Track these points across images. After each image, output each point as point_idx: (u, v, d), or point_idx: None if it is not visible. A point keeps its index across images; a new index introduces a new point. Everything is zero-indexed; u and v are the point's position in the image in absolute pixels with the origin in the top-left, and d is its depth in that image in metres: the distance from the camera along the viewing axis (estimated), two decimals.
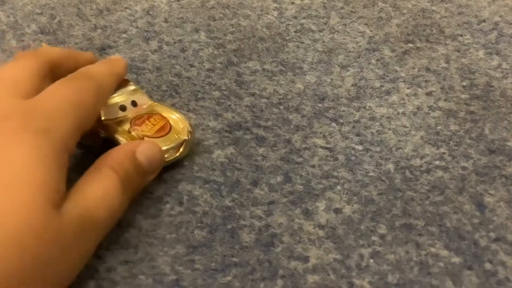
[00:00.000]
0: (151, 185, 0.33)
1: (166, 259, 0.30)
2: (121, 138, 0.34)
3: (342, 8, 0.49)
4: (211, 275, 0.30)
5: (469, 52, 0.45)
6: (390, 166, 0.36)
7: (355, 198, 0.34)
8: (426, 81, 0.42)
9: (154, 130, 0.35)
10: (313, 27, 0.47)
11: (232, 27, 0.46)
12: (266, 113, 0.39)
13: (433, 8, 0.49)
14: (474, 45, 0.46)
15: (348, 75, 0.42)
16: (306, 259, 0.31)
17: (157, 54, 0.43)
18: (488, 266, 0.31)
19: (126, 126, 0.34)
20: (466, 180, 0.35)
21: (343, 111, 0.39)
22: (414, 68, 0.43)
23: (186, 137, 0.35)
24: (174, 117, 0.36)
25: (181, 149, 0.35)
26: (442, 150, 0.37)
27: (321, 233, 0.32)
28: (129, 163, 0.31)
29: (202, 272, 0.30)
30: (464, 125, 0.39)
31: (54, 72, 0.32)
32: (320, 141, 0.37)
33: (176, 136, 0.35)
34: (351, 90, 0.41)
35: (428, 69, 0.43)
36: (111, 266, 0.30)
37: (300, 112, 0.39)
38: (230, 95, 0.40)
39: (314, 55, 0.44)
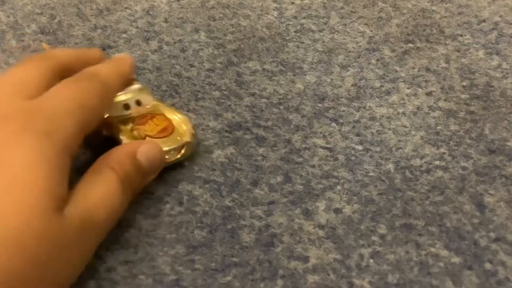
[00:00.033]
0: (151, 185, 0.33)
1: (166, 259, 0.30)
2: (123, 137, 0.34)
3: (342, 8, 0.49)
4: (211, 275, 0.30)
5: (469, 52, 0.45)
6: (390, 166, 0.36)
7: (355, 198, 0.34)
8: (426, 81, 0.42)
9: (157, 130, 0.35)
10: (313, 27, 0.47)
11: (232, 27, 0.46)
12: (266, 113, 0.39)
13: (433, 8, 0.49)
14: (474, 45, 0.46)
15: (348, 75, 0.42)
16: (306, 259, 0.31)
17: (157, 54, 0.43)
18: (488, 266, 0.31)
19: (129, 125, 0.34)
20: (466, 180, 0.35)
21: (343, 111, 0.39)
22: (414, 68, 0.43)
23: (188, 139, 0.35)
24: (178, 118, 0.36)
25: (182, 151, 0.34)
26: (442, 150, 0.37)
27: (321, 233, 0.32)
28: (130, 164, 0.31)
29: (202, 272, 0.30)
30: (464, 125, 0.39)
31: (63, 76, 0.32)
32: (320, 141, 0.37)
33: (179, 138, 0.34)
34: (351, 90, 0.41)
35: (428, 69, 0.43)
36: (111, 266, 0.30)
37: (300, 112, 0.39)
38: (230, 95, 0.40)
39: (314, 55, 0.44)
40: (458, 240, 0.32)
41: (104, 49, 0.44)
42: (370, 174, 0.35)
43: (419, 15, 0.48)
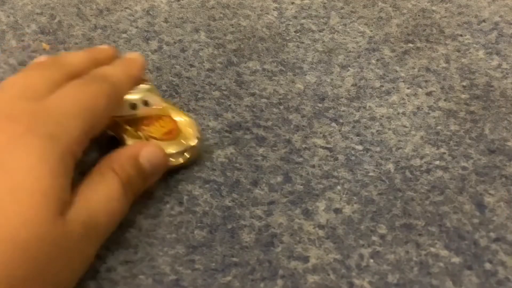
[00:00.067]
0: (151, 185, 0.33)
1: (166, 259, 0.30)
2: (127, 138, 0.33)
3: (342, 8, 0.49)
4: (211, 275, 0.30)
5: (469, 52, 0.45)
6: (390, 166, 0.36)
7: (355, 198, 0.34)
8: (426, 81, 0.42)
9: (162, 132, 0.34)
10: (313, 27, 0.47)
11: (232, 27, 0.46)
12: (266, 113, 0.39)
13: (433, 8, 0.49)
14: (474, 45, 0.46)
15: (348, 75, 0.42)
16: (306, 259, 0.31)
17: (157, 54, 0.43)
18: (488, 266, 0.31)
19: (134, 126, 0.34)
20: (466, 180, 0.35)
21: (343, 111, 0.39)
22: (414, 68, 0.43)
23: (193, 143, 0.34)
24: (185, 121, 0.35)
25: (187, 155, 0.34)
26: (442, 150, 0.37)
27: (321, 233, 0.32)
28: (131, 167, 0.30)
29: (202, 272, 0.30)
30: (464, 125, 0.39)
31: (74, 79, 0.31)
32: (320, 141, 0.37)
33: (183, 142, 0.34)
34: (351, 90, 0.41)
35: (428, 69, 0.43)
36: (111, 266, 0.30)
37: (300, 112, 0.39)
38: (230, 95, 0.40)
39: (314, 55, 0.44)
40: (458, 240, 0.32)
41: None
42: (370, 174, 0.35)
43: (419, 15, 0.49)
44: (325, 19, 0.48)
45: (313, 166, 0.36)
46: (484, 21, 0.48)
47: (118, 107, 0.33)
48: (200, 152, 0.35)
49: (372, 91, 0.41)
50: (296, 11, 0.49)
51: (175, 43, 0.45)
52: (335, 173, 0.35)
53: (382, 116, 0.39)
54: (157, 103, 0.35)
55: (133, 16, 0.47)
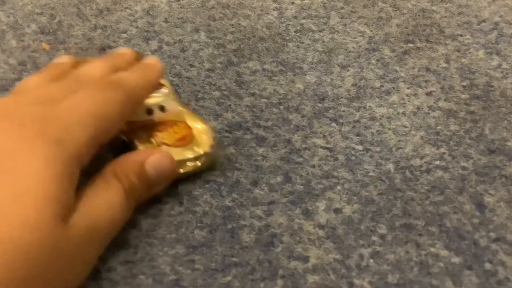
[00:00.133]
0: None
1: (166, 259, 0.30)
2: (138, 143, 0.33)
3: (342, 8, 0.49)
4: (211, 275, 0.30)
5: (469, 52, 0.45)
6: (390, 166, 0.36)
7: (355, 198, 0.34)
8: (426, 81, 0.42)
9: (175, 138, 0.33)
10: (313, 27, 0.47)
11: (232, 27, 0.46)
12: (266, 113, 0.39)
13: (433, 8, 0.49)
14: (474, 45, 0.46)
15: (348, 75, 0.42)
16: (306, 259, 0.31)
17: (157, 54, 0.43)
18: (488, 266, 0.31)
19: (148, 131, 0.33)
20: (466, 180, 0.35)
21: (343, 111, 0.39)
22: (414, 68, 0.43)
23: (206, 150, 0.33)
24: (200, 127, 0.34)
25: (198, 163, 0.33)
26: (442, 150, 0.37)
27: (321, 233, 0.32)
28: (135, 174, 0.30)
29: (202, 272, 0.30)
30: (464, 125, 0.39)
31: None
32: (320, 141, 0.37)
33: (196, 148, 0.33)
34: (351, 90, 0.41)
35: (428, 69, 0.43)
36: (111, 266, 0.30)
37: (300, 112, 0.39)
38: (230, 95, 0.40)
39: (314, 55, 0.44)
40: (458, 240, 0.32)
41: (104, 49, 0.44)
42: (370, 174, 0.35)
43: (419, 15, 0.49)
44: (325, 19, 0.48)
45: (313, 166, 0.36)
46: (484, 21, 0.48)
47: (133, 113, 0.32)
48: (215, 159, 0.35)
49: (372, 91, 0.41)
50: (296, 11, 0.49)
51: (175, 43, 0.45)
52: (335, 173, 0.35)
53: (382, 116, 0.39)
54: (174, 109, 0.35)
55: (133, 16, 0.47)
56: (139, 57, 0.36)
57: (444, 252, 0.31)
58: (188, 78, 0.41)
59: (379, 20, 0.48)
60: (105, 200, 0.28)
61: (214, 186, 0.34)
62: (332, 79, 0.42)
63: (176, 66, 0.42)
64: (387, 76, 0.42)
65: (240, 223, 0.32)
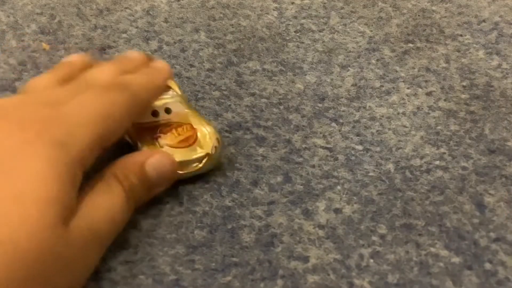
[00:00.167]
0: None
1: (166, 259, 0.30)
2: (141, 145, 0.33)
3: (342, 8, 0.49)
4: (211, 275, 0.30)
5: (469, 52, 0.45)
6: (390, 166, 0.36)
7: (355, 198, 0.34)
8: (426, 81, 0.42)
9: (178, 140, 0.33)
10: (313, 27, 0.47)
11: (232, 27, 0.46)
12: (266, 113, 0.39)
13: (433, 8, 0.49)
14: (474, 45, 0.46)
15: (348, 75, 0.42)
16: (306, 259, 0.31)
17: (157, 54, 0.43)
18: (488, 266, 0.31)
19: (152, 133, 0.33)
20: (466, 180, 0.35)
21: (343, 111, 0.39)
22: (414, 68, 0.43)
23: (208, 152, 0.33)
24: (205, 130, 0.34)
25: (199, 164, 0.33)
26: (442, 150, 0.37)
27: (321, 233, 0.32)
28: (136, 176, 0.30)
29: (202, 272, 0.30)
30: (464, 125, 0.39)
31: None
32: (320, 141, 0.37)
33: (199, 150, 0.33)
34: (351, 90, 0.41)
35: (428, 69, 0.43)
36: (111, 266, 0.30)
37: (300, 112, 0.39)
38: (230, 95, 0.40)
39: (314, 55, 0.44)
40: (458, 240, 0.32)
41: (104, 49, 0.44)
42: (370, 174, 0.35)
43: (419, 15, 0.49)
44: (325, 19, 0.48)
45: (313, 166, 0.36)
46: (484, 21, 0.48)
47: (139, 116, 0.32)
48: (219, 161, 0.35)
49: (372, 91, 0.41)
50: (296, 11, 0.49)
51: (175, 43, 0.45)
52: (335, 173, 0.35)
53: (382, 116, 0.39)
54: (179, 111, 0.35)
55: (133, 16, 0.47)
56: (149, 60, 0.36)
57: (444, 252, 0.31)
58: (188, 78, 0.41)
59: (379, 20, 0.48)
60: (105, 202, 0.28)
61: (214, 186, 0.34)
62: (332, 79, 0.42)
63: (176, 66, 0.42)
64: (387, 76, 0.42)
65: (240, 223, 0.32)
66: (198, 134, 0.34)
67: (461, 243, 0.32)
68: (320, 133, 0.38)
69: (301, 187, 0.34)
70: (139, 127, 0.34)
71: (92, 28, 0.46)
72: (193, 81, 0.41)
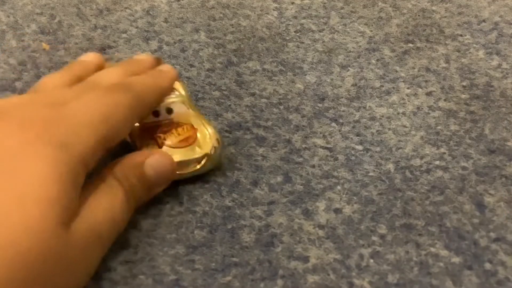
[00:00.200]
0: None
1: (166, 259, 0.30)
2: (140, 144, 0.33)
3: (342, 8, 0.49)
4: (211, 275, 0.30)
5: (469, 52, 0.45)
6: (390, 166, 0.36)
7: (355, 198, 0.34)
8: (426, 81, 0.42)
9: (178, 140, 0.33)
10: (313, 27, 0.47)
11: (232, 27, 0.46)
12: (266, 113, 0.39)
13: (433, 8, 0.49)
14: (474, 45, 0.46)
15: (348, 75, 0.42)
16: (306, 259, 0.31)
17: (157, 54, 0.43)
18: (488, 266, 0.31)
19: (152, 133, 0.33)
20: (466, 180, 0.35)
21: (343, 111, 0.39)
22: (414, 68, 0.43)
23: (208, 152, 0.33)
24: (205, 130, 0.34)
25: (198, 165, 0.33)
26: (442, 150, 0.37)
27: (321, 233, 0.32)
28: (135, 176, 0.30)
29: (202, 272, 0.30)
30: (464, 125, 0.39)
31: None
32: (320, 141, 0.37)
33: (199, 150, 0.33)
34: (351, 90, 0.41)
35: (428, 69, 0.43)
36: (111, 266, 0.30)
37: (300, 112, 0.39)
38: (230, 95, 0.40)
39: (314, 55, 0.44)
40: (458, 240, 0.32)
41: (104, 49, 0.44)
42: (370, 174, 0.35)
43: (419, 15, 0.49)
44: (325, 19, 0.48)
45: (313, 166, 0.36)
46: (484, 21, 0.48)
47: (142, 117, 0.32)
48: (219, 162, 0.35)
49: (372, 91, 0.41)
50: (296, 11, 0.49)
51: (175, 43, 0.45)
52: (335, 173, 0.35)
53: (382, 116, 0.39)
54: (181, 111, 0.35)
55: (133, 16, 0.47)
56: (157, 63, 0.36)
57: (444, 252, 0.31)
58: (188, 78, 0.41)
59: (379, 20, 0.48)
60: (106, 203, 0.28)
61: (214, 186, 0.34)
62: (332, 79, 0.42)
63: (176, 66, 0.42)
64: (387, 76, 0.42)
65: (240, 223, 0.32)
66: (198, 135, 0.34)
67: (461, 243, 0.32)
68: (320, 133, 0.38)
69: (301, 187, 0.34)
70: (139, 127, 0.34)
71: (92, 28, 0.46)
72: (193, 81, 0.41)
